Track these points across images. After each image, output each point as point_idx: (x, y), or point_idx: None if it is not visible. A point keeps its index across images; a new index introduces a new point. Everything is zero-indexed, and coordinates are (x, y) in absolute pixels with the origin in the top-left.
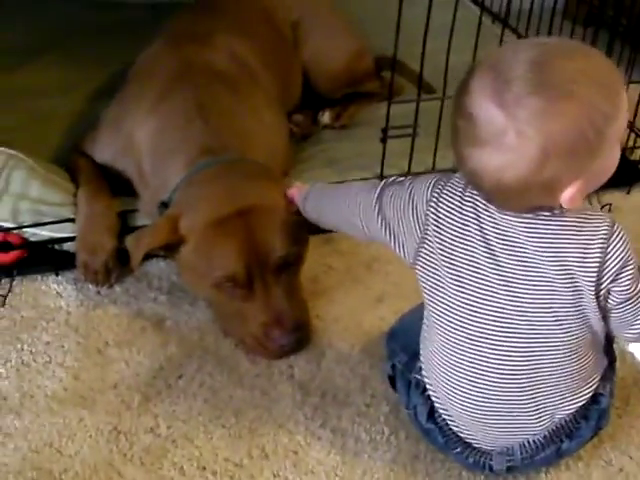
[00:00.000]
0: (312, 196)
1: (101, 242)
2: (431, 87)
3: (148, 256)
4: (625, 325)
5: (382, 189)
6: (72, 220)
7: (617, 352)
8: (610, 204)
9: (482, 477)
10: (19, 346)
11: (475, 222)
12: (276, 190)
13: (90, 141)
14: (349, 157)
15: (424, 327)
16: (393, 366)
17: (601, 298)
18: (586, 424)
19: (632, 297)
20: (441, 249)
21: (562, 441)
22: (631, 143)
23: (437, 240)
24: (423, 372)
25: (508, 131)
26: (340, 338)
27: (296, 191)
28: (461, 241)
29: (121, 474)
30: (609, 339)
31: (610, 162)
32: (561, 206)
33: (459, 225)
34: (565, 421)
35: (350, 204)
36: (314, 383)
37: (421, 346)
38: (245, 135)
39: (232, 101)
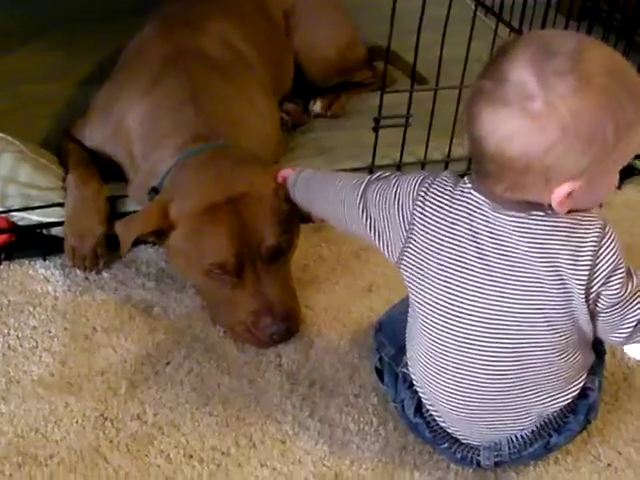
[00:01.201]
0: (299, 185)
1: (90, 227)
2: (424, 79)
3: (137, 242)
4: (611, 329)
5: (366, 186)
6: (61, 205)
7: (607, 347)
8: None
9: (470, 470)
10: (5, 331)
11: (466, 220)
12: (267, 177)
13: (80, 126)
14: (340, 146)
15: (409, 323)
16: (380, 359)
17: (590, 301)
18: (575, 418)
19: (621, 301)
20: (428, 248)
21: (550, 435)
22: None
23: (424, 239)
24: (409, 367)
25: (537, 98)
26: (329, 328)
27: (286, 174)
28: (450, 240)
29: (107, 460)
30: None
31: (607, 180)
32: (550, 206)
33: (448, 223)
34: (553, 416)
35: (334, 200)
36: (302, 372)
37: (407, 342)
38: (237, 122)
39: (224, 88)
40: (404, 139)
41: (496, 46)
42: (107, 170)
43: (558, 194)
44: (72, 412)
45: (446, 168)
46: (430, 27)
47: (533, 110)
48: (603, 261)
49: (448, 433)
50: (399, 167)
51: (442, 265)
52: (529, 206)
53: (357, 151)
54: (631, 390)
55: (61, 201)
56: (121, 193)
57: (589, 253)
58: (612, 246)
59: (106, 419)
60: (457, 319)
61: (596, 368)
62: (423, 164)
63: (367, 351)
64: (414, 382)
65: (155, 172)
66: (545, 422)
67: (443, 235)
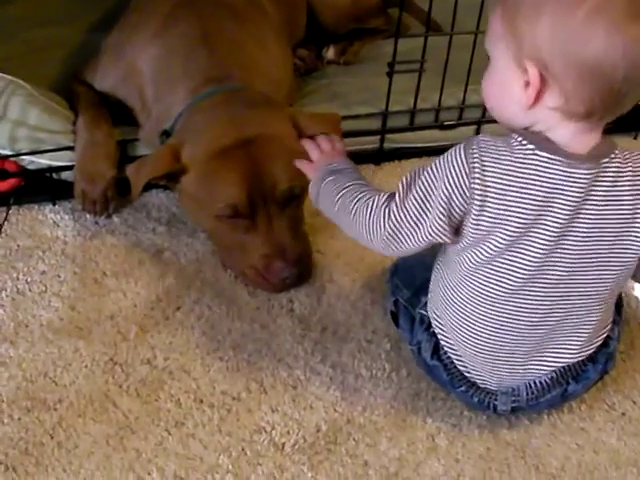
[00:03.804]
0: (322, 202)
1: (100, 171)
2: (438, 26)
3: (148, 186)
4: None
5: (390, 197)
6: (71, 148)
7: (623, 296)
8: None
9: (484, 417)
10: (15, 275)
11: (538, 180)
12: (281, 119)
13: (91, 69)
14: (353, 92)
15: (442, 270)
16: (395, 302)
17: None
18: (593, 367)
19: None
20: (493, 211)
21: (568, 383)
22: None
23: (488, 204)
24: (432, 309)
25: None
26: (341, 273)
27: (317, 164)
28: (523, 202)
29: (116, 405)
30: None
31: None
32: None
33: (518, 187)
34: (573, 363)
35: (372, 221)
36: (314, 318)
37: (433, 286)
38: (250, 66)
39: (237, 31)
40: (418, 85)
41: None
42: (118, 114)
43: None
44: (81, 356)
45: (461, 115)
46: None
47: None
48: None
49: (465, 377)
50: (413, 113)
51: (511, 227)
52: (600, 151)
53: (370, 97)
54: None
55: (71, 145)
56: (132, 137)
57: None
58: None
59: (115, 363)
60: (515, 271)
61: (615, 317)
62: (437, 110)
63: (380, 297)
64: (434, 323)
65: (167, 115)
66: (564, 369)
67: (511, 200)
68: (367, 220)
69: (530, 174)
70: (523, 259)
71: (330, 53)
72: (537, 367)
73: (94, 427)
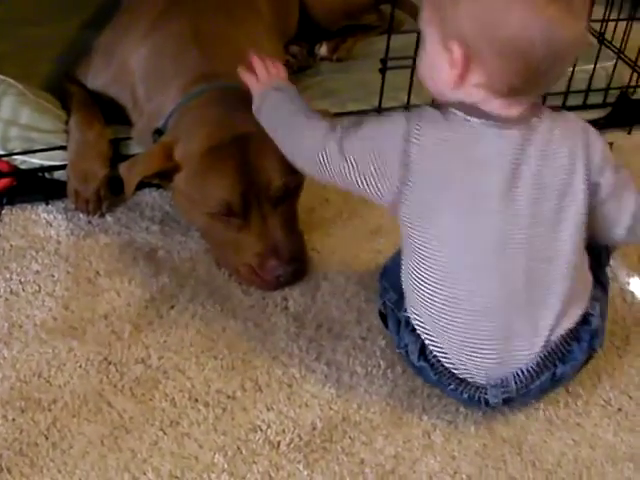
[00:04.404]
0: (266, 109)
1: (93, 170)
2: None
3: (141, 185)
4: (612, 222)
5: (344, 132)
6: (63, 148)
7: (617, 290)
8: (612, 143)
9: (480, 413)
10: (8, 275)
11: (474, 146)
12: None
13: (83, 67)
14: (346, 88)
15: (407, 264)
16: (384, 304)
17: (589, 194)
18: (578, 346)
19: (616, 188)
20: (435, 182)
21: (556, 366)
22: (633, 82)
23: (428, 175)
24: (411, 309)
25: None
26: (336, 271)
27: (259, 85)
28: (461, 168)
29: (111, 405)
30: (598, 260)
31: None
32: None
33: (454, 154)
34: (556, 344)
35: (309, 142)
36: (309, 315)
37: (405, 284)
38: (241, 63)
39: (228, 29)
40: (411, 81)
41: None
42: (110, 112)
43: None
44: (75, 356)
45: None
46: None
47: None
48: (596, 151)
49: (454, 374)
50: (407, 108)
51: (455, 195)
52: (530, 113)
53: (363, 93)
54: None
55: (63, 144)
56: (124, 135)
57: (582, 144)
58: (599, 137)
59: (110, 363)
60: (473, 243)
61: (597, 294)
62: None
63: (374, 294)
64: (416, 324)
65: (159, 114)
66: (549, 352)
67: (451, 166)
68: (302, 142)
69: (465, 139)
70: (479, 229)
71: (323, 50)
72: (520, 350)
73: (89, 427)
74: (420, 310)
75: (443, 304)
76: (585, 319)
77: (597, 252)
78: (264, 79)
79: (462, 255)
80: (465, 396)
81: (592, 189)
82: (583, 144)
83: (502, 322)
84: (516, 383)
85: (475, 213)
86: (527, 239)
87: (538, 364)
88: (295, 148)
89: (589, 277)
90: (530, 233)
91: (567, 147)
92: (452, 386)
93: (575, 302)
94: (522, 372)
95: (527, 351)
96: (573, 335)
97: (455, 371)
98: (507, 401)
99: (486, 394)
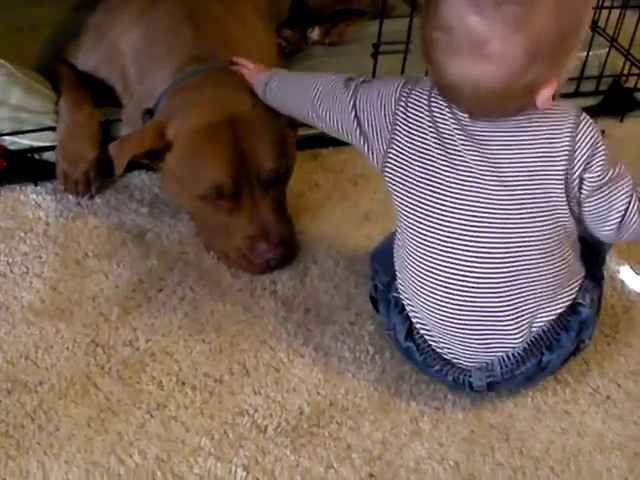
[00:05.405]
0: (275, 84)
1: (82, 151)
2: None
3: (130, 167)
4: (600, 219)
5: (356, 88)
6: (53, 129)
7: (607, 279)
8: (603, 131)
9: (468, 400)
10: None
11: (446, 123)
12: None
13: (73, 49)
14: (339, 73)
15: (397, 237)
16: (375, 287)
17: (575, 190)
18: (566, 335)
19: (604, 184)
20: (411, 150)
21: (542, 353)
22: (626, 70)
23: (407, 141)
24: (402, 290)
25: (491, 39)
26: (325, 255)
27: (252, 74)
28: (433, 141)
29: (98, 387)
30: (593, 252)
31: (572, 61)
32: (535, 106)
33: (429, 125)
34: (544, 331)
35: (322, 98)
36: (297, 299)
37: (395, 260)
38: (233, 45)
39: (221, 11)
40: (404, 66)
41: None
42: (100, 94)
43: (542, 97)
44: (63, 338)
45: None
46: None
47: (493, 51)
48: (582, 144)
49: (439, 355)
50: None
51: (426, 167)
52: (513, 112)
53: None
54: (631, 323)
55: (53, 125)
56: (114, 117)
57: (567, 138)
58: (589, 129)
59: (97, 345)
60: (443, 219)
61: (589, 286)
62: None
63: (363, 279)
64: (405, 303)
65: (150, 95)
66: (536, 338)
67: (425, 136)
68: (318, 89)
69: (440, 114)
70: (448, 201)
71: (315, 34)
72: (506, 333)
73: (75, 409)
74: (406, 286)
75: (423, 279)
76: (574, 309)
77: (593, 246)
78: (256, 67)
79: (436, 227)
80: (450, 378)
81: (574, 182)
82: (570, 136)
83: (482, 303)
84: (501, 367)
85: (440, 185)
86: (504, 223)
87: (525, 350)
88: (310, 103)
89: (578, 266)
90: (507, 216)
91: (545, 139)
92: (437, 367)
93: (562, 290)
94: (507, 357)
95: (511, 336)
96: (562, 324)
97: (440, 351)
98: (492, 386)
99: (470, 377)
